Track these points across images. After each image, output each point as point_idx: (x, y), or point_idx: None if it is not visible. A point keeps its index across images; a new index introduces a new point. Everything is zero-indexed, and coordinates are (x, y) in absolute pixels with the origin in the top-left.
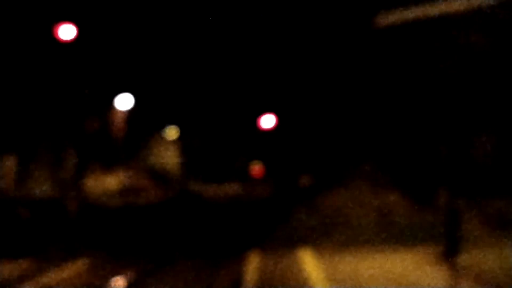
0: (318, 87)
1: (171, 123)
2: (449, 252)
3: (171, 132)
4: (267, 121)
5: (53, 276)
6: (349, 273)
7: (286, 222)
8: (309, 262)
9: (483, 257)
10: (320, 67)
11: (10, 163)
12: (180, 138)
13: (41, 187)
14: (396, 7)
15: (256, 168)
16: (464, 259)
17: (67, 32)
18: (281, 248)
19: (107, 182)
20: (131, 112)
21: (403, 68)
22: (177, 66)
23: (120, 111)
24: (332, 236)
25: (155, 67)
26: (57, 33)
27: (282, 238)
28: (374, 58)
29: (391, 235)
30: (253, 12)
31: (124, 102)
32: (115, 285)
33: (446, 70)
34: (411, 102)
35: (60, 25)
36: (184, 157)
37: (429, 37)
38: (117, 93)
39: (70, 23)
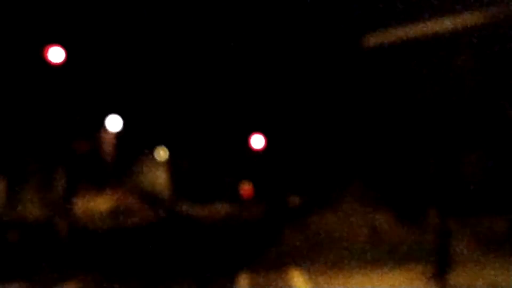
0: (308, 107)
1: (160, 144)
2: (439, 271)
3: (161, 153)
4: (257, 141)
5: None
6: None
7: (276, 242)
8: (299, 282)
9: (473, 276)
10: (309, 88)
11: (0, 185)
12: (169, 159)
13: (31, 209)
14: (383, 28)
15: (246, 189)
16: (454, 278)
17: (56, 55)
18: (271, 268)
19: (97, 204)
20: (120, 133)
21: (391, 88)
22: (166, 88)
23: (110, 133)
24: (322, 255)
25: (144, 89)
26: (46, 56)
27: (272, 258)
28: (363, 78)
29: (381, 254)
30: (241, 33)
31: (113, 123)
32: None
33: (434, 89)
34: (400, 121)
35: (49, 48)
36: (174, 178)
37: (417, 56)
38: (106, 115)
39: (59, 46)
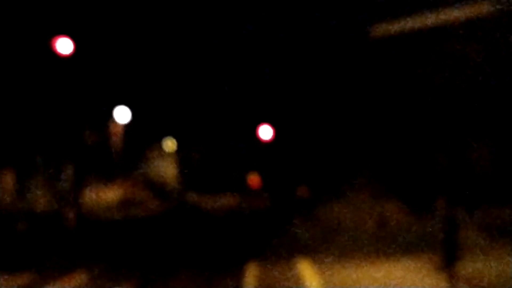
0: (316, 98)
1: (168, 135)
2: (447, 261)
3: (169, 144)
4: (265, 132)
5: None
6: (348, 283)
7: (284, 233)
8: (308, 273)
9: (481, 266)
10: (317, 79)
11: (9, 176)
12: (177, 150)
13: (40, 200)
14: (391, 18)
15: (254, 179)
16: (462, 267)
17: (65, 46)
18: (279, 259)
19: (106, 195)
20: (129, 125)
21: (399, 78)
22: (174, 79)
23: (118, 124)
24: (330, 246)
25: (152, 80)
26: (55, 47)
27: (280, 249)
28: (371, 68)
29: (390, 244)
30: (248, 23)
31: (122, 115)
32: None
33: (442, 80)
34: (408, 111)
35: (58, 39)
36: (182, 169)
37: (425, 47)
38: (115, 106)
39: (68, 37)
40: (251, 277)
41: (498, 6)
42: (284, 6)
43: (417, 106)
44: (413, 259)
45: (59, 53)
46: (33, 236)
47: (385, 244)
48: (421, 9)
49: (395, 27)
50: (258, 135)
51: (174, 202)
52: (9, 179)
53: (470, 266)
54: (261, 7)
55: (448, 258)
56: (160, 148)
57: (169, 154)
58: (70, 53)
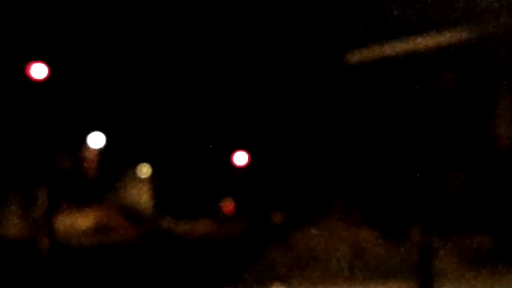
0: (290, 125)
1: (143, 161)
2: None
3: (143, 170)
4: (240, 158)
5: None
6: None
7: (259, 259)
8: None
9: None
10: (292, 105)
11: None
12: (152, 176)
13: (12, 227)
14: (366, 45)
15: (228, 205)
16: None
17: (39, 71)
18: (254, 284)
19: (80, 221)
20: (103, 150)
21: (374, 105)
22: (148, 105)
23: (92, 149)
24: (305, 272)
25: (127, 106)
26: (29, 72)
27: (255, 275)
28: (346, 95)
29: (365, 271)
30: (222, 50)
31: (96, 140)
32: None
33: (417, 107)
34: (383, 138)
35: (31, 64)
36: (156, 195)
37: (400, 73)
38: (89, 132)
39: (42, 62)
40: None
41: (472, 33)
42: (257, 33)
43: (392, 133)
44: (389, 285)
45: (33, 78)
46: (6, 263)
47: (360, 271)
48: (397, 35)
49: (370, 53)
50: (233, 161)
51: (148, 227)
52: None
53: None
54: (232, 31)
55: (424, 285)
56: (134, 174)
57: (143, 180)
58: (44, 78)
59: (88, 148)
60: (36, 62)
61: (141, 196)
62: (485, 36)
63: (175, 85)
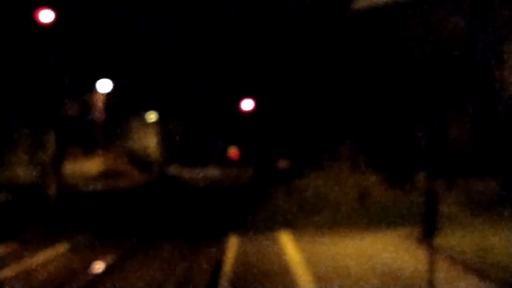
0: (296, 71)
1: (150, 107)
2: (427, 233)
3: (151, 116)
4: (246, 105)
5: (33, 259)
6: (328, 253)
7: (265, 204)
8: (289, 245)
9: (461, 237)
10: (299, 51)
11: None
12: (159, 122)
13: (22, 172)
14: None
15: (235, 152)
16: (442, 239)
17: (46, 16)
18: (261, 230)
19: (88, 166)
20: (110, 96)
21: (381, 51)
22: (157, 51)
23: (100, 95)
24: (311, 217)
25: (135, 52)
26: (37, 17)
27: (261, 220)
28: (353, 41)
29: (370, 216)
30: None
31: (103, 86)
32: (95, 268)
33: (423, 52)
34: (389, 85)
35: (39, 10)
36: (164, 141)
37: (405, 18)
38: (97, 78)
39: (49, 8)
40: (232, 246)
41: None
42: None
43: (398, 80)
44: (393, 230)
45: (41, 22)
46: (15, 206)
47: (366, 216)
48: None
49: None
50: (239, 108)
51: (155, 173)
52: None
53: (449, 238)
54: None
55: (428, 230)
56: (141, 120)
57: (150, 126)
58: (51, 22)
59: (96, 94)
60: (44, 8)
61: (148, 142)
62: None
63: (183, 37)
